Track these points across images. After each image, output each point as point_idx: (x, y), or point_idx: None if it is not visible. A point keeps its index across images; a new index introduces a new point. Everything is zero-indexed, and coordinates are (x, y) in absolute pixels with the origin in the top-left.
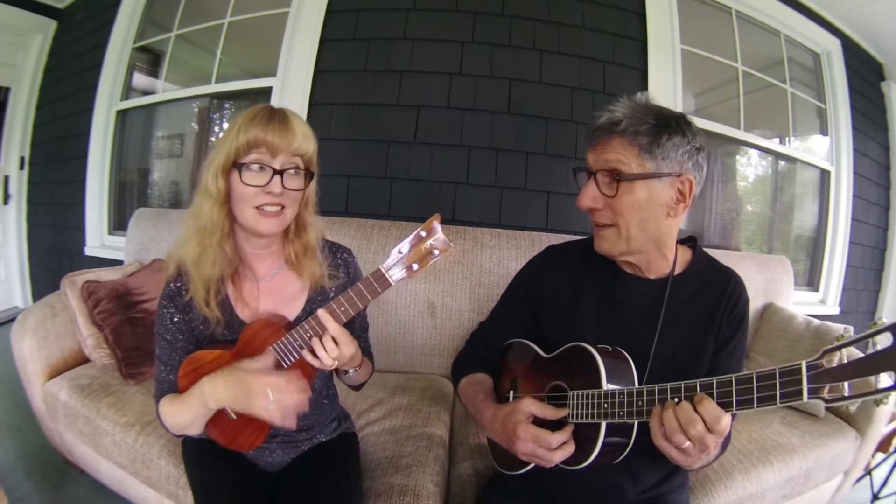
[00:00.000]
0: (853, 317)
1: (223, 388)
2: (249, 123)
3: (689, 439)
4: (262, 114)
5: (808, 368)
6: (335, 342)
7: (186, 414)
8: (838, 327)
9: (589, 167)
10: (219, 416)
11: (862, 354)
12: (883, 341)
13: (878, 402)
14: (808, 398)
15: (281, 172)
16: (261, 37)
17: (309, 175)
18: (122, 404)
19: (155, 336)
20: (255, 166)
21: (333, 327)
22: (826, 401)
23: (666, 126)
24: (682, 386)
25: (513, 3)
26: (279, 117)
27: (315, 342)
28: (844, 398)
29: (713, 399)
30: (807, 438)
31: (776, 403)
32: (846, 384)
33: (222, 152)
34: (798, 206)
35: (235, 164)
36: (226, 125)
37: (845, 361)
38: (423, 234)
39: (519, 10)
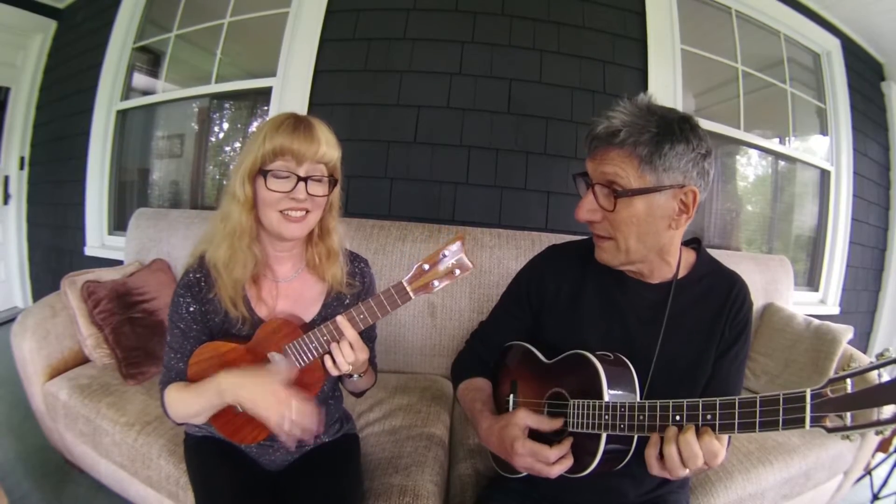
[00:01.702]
0: (853, 317)
1: (249, 388)
2: (275, 131)
3: (688, 469)
4: (287, 122)
5: (813, 397)
6: (351, 348)
7: (197, 403)
8: (838, 327)
9: (588, 176)
10: (224, 408)
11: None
12: (888, 373)
13: (879, 433)
14: (811, 426)
15: (305, 179)
16: (261, 37)
17: (333, 182)
18: (122, 404)
19: (168, 323)
20: (281, 173)
21: (351, 333)
22: (828, 429)
23: (668, 134)
24: (685, 404)
25: (513, 3)
26: (304, 125)
27: (334, 346)
28: (846, 428)
29: (715, 418)
30: (807, 438)
31: (778, 429)
32: (849, 414)
33: (249, 158)
34: (798, 206)
35: (261, 171)
36: (226, 125)
37: (850, 391)
38: (447, 253)
39: (519, 10)
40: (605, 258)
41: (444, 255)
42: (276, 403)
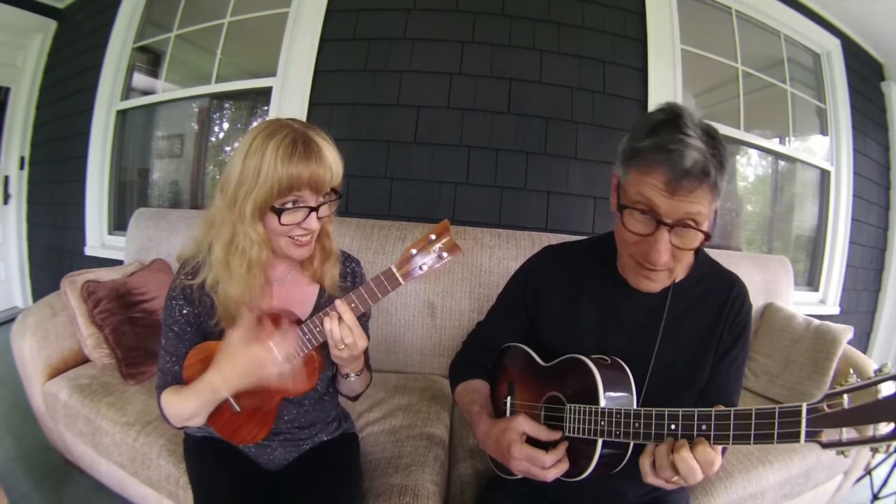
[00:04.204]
0: (853, 317)
1: (231, 371)
2: (288, 161)
3: (683, 479)
4: (299, 151)
5: (809, 411)
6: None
7: (192, 404)
8: (838, 327)
9: (659, 214)
10: (221, 409)
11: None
12: (886, 389)
13: (874, 450)
14: (806, 441)
15: (317, 208)
16: (261, 37)
17: (337, 196)
18: (122, 404)
19: (162, 326)
20: (291, 205)
21: (349, 317)
22: (822, 445)
23: (725, 162)
24: (681, 413)
25: (513, 3)
26: (316, 152)
27: (333, 317)
28: (841, 444)
29: (710, 429)
30: None
31: (773, 442)
32: (844, 430)
33: (259, 192)
34: (798, 206)
35: (272, 208)
36: (226, 125)
37: (846, 407)
38: (434, 237)
39: (519, 10)
40: (653, 287)
41: (431, 239)
42: (262, 362)
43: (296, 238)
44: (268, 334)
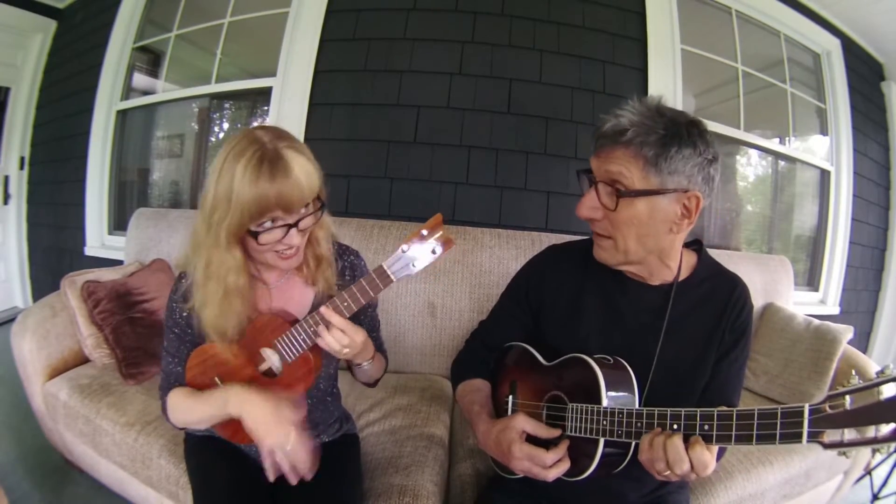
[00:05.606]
0: (853, 317)
1: (255, 406)
2: (254, 184)
3: (673, 473)
4: (265, 171)
5: (811, 412)
6: (342, 332)
7: (200, 411)
8: (838, 327)
9: (591, 174)
10: None
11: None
12: (887, 391)
13: (876, 451)
14: (808, 441)
15: (295, 224)
16: (261, 37)
17: (321, 204)
18: (122, 404)
19: (164, 328)
20: (269, 224)
21: (337, 320)
22: (825, 445)
23: (676, 137)
24: (683, 413)
25: (513, 3)
26: (283, 172)
27: (322, 329)
28: (842, 444)
29: (713, 429)
30: None
31: (775, 443)
32: (846, 431)
33: (231, 218)
34: (798, 206)
35: (248, 231)
36: (226, 125)
37: (848, 408)
38: (426, 232)
39: (519, 10)
40: (603, 256)
41: (423, 235)
42: (275, 429)
43: (281, 252)
44: (300, 432)
